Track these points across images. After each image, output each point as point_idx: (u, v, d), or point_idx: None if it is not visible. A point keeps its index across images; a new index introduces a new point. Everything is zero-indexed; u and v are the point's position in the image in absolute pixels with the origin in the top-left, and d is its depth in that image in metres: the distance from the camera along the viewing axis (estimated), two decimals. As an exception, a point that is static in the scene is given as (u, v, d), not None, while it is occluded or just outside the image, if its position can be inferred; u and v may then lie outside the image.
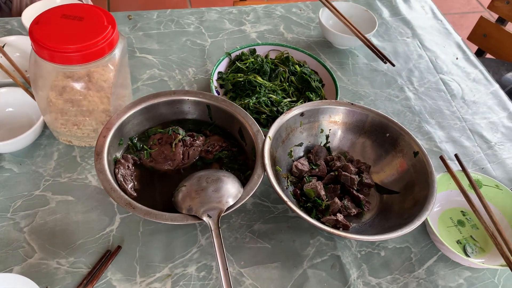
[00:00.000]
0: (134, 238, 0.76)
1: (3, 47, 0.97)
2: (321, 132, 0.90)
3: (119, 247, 0.75)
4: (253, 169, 0.77)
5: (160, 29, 1.16)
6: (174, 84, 1.03)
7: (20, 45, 1.01)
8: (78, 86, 0.79)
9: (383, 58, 1.08)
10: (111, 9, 2.62)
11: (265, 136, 0.80)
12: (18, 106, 0.90)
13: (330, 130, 0.90)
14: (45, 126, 0.88)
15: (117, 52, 0.79)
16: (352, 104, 0.89)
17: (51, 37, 0.72)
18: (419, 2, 1.39)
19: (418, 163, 0.82)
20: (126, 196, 0.70)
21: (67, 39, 0.73)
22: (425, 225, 0.82)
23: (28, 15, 1.05)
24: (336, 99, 0.98)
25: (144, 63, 1.07)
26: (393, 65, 1.08)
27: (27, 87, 0.91)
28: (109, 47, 0.76)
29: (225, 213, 0.69)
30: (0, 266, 0.71)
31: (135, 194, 0.76)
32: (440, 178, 0.85)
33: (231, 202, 0.70)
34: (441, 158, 0.90)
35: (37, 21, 0.75)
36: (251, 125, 0.83)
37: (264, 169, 0.75)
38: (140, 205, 0.69)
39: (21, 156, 0.86)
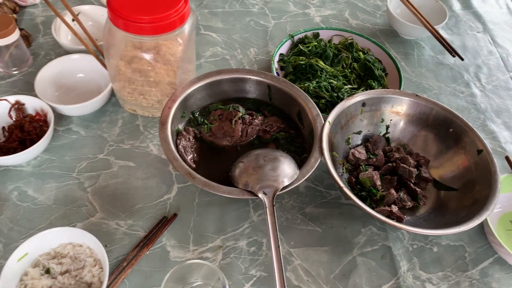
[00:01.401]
0: (189, 208, 0.79)
1: (77, 15, 1.01)
2: (381, 122, 0.89)
3: (175, 215, 0.77)
4: (310, 153, 0.77)
5: (225, 8, 1.17)
6: (236, 63, 1.04)
7: (93, 14, 1.05)
8: (146, 57, 0.81)
9: (452, 51, 1.04)
10: None
11: (325, 120, 0.80)
12: (88, 72, 0.94)
13: (391, 120, 0.88)
14: (111, 94, 0.92)
15: (187, 26, 0.81)
16: (417, 95, 0.87)
17: (126, 7, 0.75)
18: (493, -5, 1.33)
19: (481, 162, 0.79)
20: (187, 166, 0.72)
21: (141, 10, 0.75)
22: (482, 225, 0.80)
23: (102, -14, 1.09)
24: (399, 89, 0.96)
25: (208, 40, 1.08)
26: (462, 59, 1.04)
27: (97, 54, 0.94)
28: (180, 21, 0.78)
29: (280, 192, 0.70)
30: (65, 221, 0.75)
31: (194, 165, 0.78)
32: (503, 179, 0.81)
33: (286, 182, 0.71)
34: (507, 158, 0.86)
35: (115, -9, 0.77)
36: (311, 108, 0.82)
37: (322, 153, 0.75)
38: (199, 175, 0.71)
39: (88, 120, 0.90)
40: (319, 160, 0.75)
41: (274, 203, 0.69)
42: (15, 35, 0.92)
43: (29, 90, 0.91)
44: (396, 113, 0.88)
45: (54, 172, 0.82)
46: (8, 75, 0.96)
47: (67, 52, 0.98)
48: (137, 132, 0.89)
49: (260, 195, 0.69)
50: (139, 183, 0.82)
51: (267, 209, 0.68)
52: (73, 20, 1.00)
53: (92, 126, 0.89)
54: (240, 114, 0.83)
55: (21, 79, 0.96)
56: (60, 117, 0.89)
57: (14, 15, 1.04)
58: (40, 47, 1.02)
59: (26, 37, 1.01)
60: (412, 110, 0.87)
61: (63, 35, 1.00)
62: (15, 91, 0.93)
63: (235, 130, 0.82)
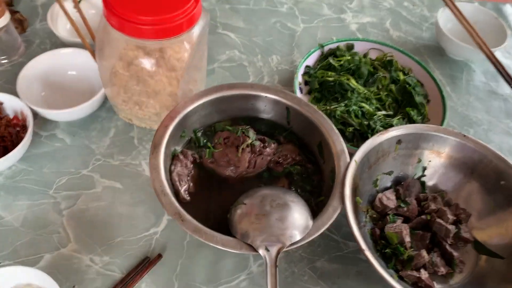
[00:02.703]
0: (178, 248, 0.66)
1: (79, 2, 0.89)
2: (418, 162, 0.74)
3: (159, 256, 0.65)
4: (328, 197, 0.63)
5: (249, 4, 1.03)
6: (254, 71, 0.91)
7: (97, 2, 0.92)
8: (148, 60, 0.68)
9: (509, 80, 0.87)
10: None
11: (350, 158, 0.66)
12: (81, 70, 0.81)
13: (429, 161, 0.74)
14: (106, 98, 0.80)
15: (196, 29, 0.68)
16: (464, 136, 0.72)
17: (124, 3, 0.62)
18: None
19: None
20: (177, 204, 0.59)
21: (141, 8, 0.62)
22: (531, 307, 0.65)
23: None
24: (442, 123, 0.81)
25: (225, 41, 0.95)
26: (520, 91, 0.88)
27: (95, 50, 0.82)
28: (188, 24, 0.65)
29: (287, 248, 0.57)
30: (31, 250, 0.64)
31: (188, 198, 0.66)
32: None
33: (296, 237, 0.58)
34: None
35: (112, -18, 0.64)
36: (335, 141, 0.68)
37: (343, 202, 0.61)
38: (190, 217, 0.58)
39: (76, 126, 0.78)
40: (338, 211, 0.61)
41: (277, 263, 0.56)
42: (4, 20, 0.80)
43: (15, 83, 0.79)
44: (437, 153, 0.73)
45: (28, 186, 0.70)
46: (-6, 64, 0.85)
47: (64, 44, 0.86)
48: (130, 146, 0.77)
49: (261, 251, 0.56)
50: (124, 209, 0.70)
51: (268, 269, 0.55)
52: (74, 6, 0.87)
53: (80, 134, 0.77)
54: (250, 141, 0.69)
55: (8, 70, 0.84)
56: (44, 120, 0.77)
57: (10, -5, 0.92)
58: (35, 34, 0.91)
59: (20, 22, 0.90)
60: (457, 152, 0.72)
61: (61, 24, 0.88)
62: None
63: (242, 160, 0.68)
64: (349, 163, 0.65)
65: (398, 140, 0.71)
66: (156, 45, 0.66)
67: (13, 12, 0.89)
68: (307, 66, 0.88)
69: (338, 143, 0.68)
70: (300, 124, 0.74)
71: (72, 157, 0.74)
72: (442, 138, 0.72)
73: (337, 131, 0.69)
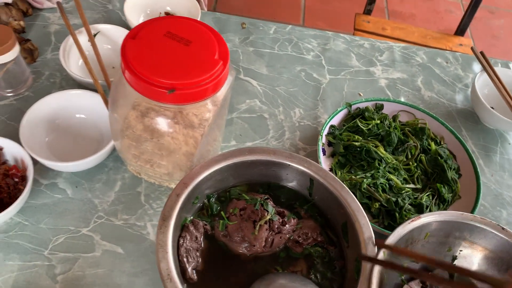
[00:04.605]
0: (179, 332, 0.60)
1: (94, 36, 0.83)
2: (448, 251, 0.68)
3: None
4: (351, 290, 0.57)
5: (274, 48, 0.97)
6: (275, 125, 0.84)
7: (113, 36, 0.86)
8: (164, 119, 0.63)
9: (548, 160, 0.81)
10: (218, 7, 2.42)
11: (378, 248, 0.59)
12: (90, 114, 0.76)
13: (461, 251, 0.67)
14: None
15: (222, 91, 0.62)
16: (503, 228, 0.65)
17: (145, 62, 0.56)
18: None
19: None
20: (182, 291, 0.53)
21: (164, 69, 0.56)
22: None
23: (131, 3, 0.90)
24: (475, 205, 0.74)
25: (246, 89, 0.89)
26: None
27: (106, 92, 0.76)
28: (214, 89, 0.59)
29: None
30: (18, 323, 0.58)
31: (195, 278, 0.59)
32: None
33: None
34: None
35: (134, 35, 0.58)
36: (362, 226, 0.62)
37: (369, 303, 0.55)
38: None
39: (80, 176, 0.72)
40: (363, 314, 0.54)
41: None
42: (13, 53, 0.74)
43: (18, 120, 0.73)
44: (470, 243, 0.67)
45: (22, 244, 0.64)
46: (-1, 96, 0.79)
47: (74, 80, 0.80)
48: (136, 204, 0.71)
49: None
50: (124, 280, 0.63)
51: None
52: (89, 40, 0.82)
53: (83, 185, 0.71)
54: (268, 217, 0.63)
55: (13, 104, 0.79)
56: (46, 167, 0.71)
57: (21, 23, 0.86)
58: (45, 65, 0.85)
59: (31, 51, 0.84)
60: (493, 245, 0.66)
61: (73, 58, 0.82)
62: (1, 119, 0.76)
63: (258, 239, 0.62)
64: (377, 254, 0.59)
65: (427, 234, 0.64)
66: (175, 107, 0.61)
67: (23, 41, 0.84)
68: (332, 126, 0.82)
69: (366, 229, 0.62)
70: (324, 198, 0.67)
71: (73, 212, 0.68)
72: (478, 229, 0.66)
73: (365, 214, 0.63)
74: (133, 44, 0.57)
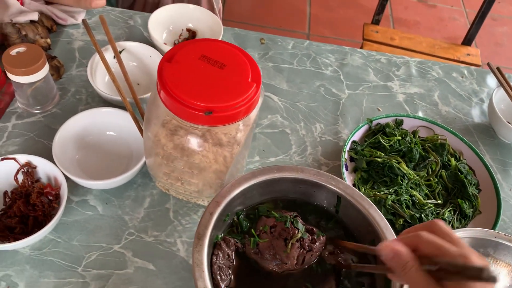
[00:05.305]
0: None
1: (120, 52, 0.85)
2: (472, 267, 0.69)
3: None
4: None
5: (293, 64, 0.99)
6: (296, 140, 0.86)
7: (139, 53, 0.87)
8: (194, 138, 0.64)
9: None
10: (225, 16, 2.41)
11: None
12: (121, 131, 0.77)
13: (485, 267, 0.69)
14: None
15: (254, 112, 0.63)
16: (529, 246, 0.67)
17: (182, 84, 0.58)
18: None
19: None
20: (220, 312, 0.54)
21: (199, 93, 0.57)
22: None
23: (154, 20, 0.91)
24: (497, 218, 0.76)
25: (268, 104, 0.90)
26: None
27: (134, 108, 0.77)
28: (246, 111, 0.60)
29: None
30: None
31: (228, 295, 0.61)
32: None
33: None
34: None
35: (170, 58, 0.60)
36: (391, 244, 0.63)
37: (400, 321, 0.56)
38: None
39: (109, 193, 0.73)
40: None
41: None
42: (43, 72, 0.76)
43: (46, 137, 0.76)
44: (494, 259, 0.69)
45: (56, 261, 0.65)
46: (27, 113, 0.80)
47: (100, 96, 0.82)
48: (165, 220, 0.72)
49: None
50: (157, 297, 0.65)
51: None
52: (114, 57, 0.83)
53: (113, 202, 0.72)
54: (299, 235, 0.64)
55: (41, 121, 0.80)
56: (76, 183, 0.72)
57: (48, 40, 0.88)
58: (71, 82, 0.86)
59: (57, 68, 0.85)
60: (517, 261, 0.68)
61: (100, 75, 0.84)
62: (30, 136, 0.77)
63: (290, 257, 0.63)
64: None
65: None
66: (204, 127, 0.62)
67: (50, 58, 0.85)
68: (353, 142, 0.83)
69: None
70: (351, 215, 0.69)
71: (104, 228, 0.69)
72: (502, 245, 0.68)
73: (392, 231, 0.64)
74: (169, 67, 0.59)
